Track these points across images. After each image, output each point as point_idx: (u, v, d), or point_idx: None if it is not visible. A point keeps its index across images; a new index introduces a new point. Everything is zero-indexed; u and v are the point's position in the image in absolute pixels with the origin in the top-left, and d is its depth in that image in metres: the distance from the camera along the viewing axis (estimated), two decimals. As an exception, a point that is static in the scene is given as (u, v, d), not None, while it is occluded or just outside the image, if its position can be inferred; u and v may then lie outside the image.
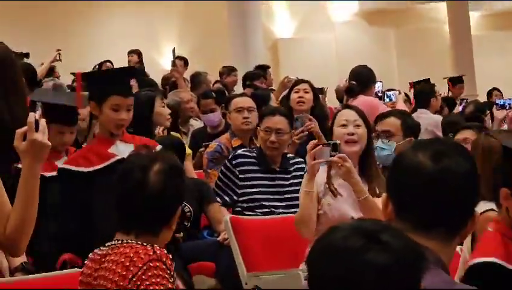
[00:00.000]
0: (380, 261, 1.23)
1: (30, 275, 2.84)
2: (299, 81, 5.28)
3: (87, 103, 4.26)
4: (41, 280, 2.74)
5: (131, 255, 2.13)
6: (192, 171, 4.76)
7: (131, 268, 2.11)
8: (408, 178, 1.65)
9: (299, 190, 3.54)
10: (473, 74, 12.88)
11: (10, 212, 2.26)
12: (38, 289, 2.68)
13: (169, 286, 2.13)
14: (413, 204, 1.63)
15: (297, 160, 4.24)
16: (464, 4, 13.77)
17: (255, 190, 4.12)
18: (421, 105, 6.94)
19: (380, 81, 6.65)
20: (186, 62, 9.15)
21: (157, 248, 2.16)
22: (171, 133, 5.09)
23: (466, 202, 1.66)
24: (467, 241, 3.09)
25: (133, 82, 6.96)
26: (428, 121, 6.45)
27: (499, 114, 5.87)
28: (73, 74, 6.30)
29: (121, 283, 2.12)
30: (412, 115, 6.65)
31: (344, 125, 3.46)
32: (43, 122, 2.20)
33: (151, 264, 2.11)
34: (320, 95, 7.54)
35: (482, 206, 2.93)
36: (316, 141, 3.40)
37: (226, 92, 7.27)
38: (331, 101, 8.37)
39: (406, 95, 8.20)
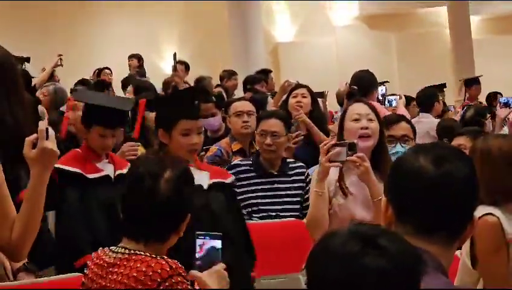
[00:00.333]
0: (377, 266, 1.23)
1: (35, 279, 2.83)
2: (297, 86, 5.28)
3: (131, 105, 4.23)
4: (46, 284, 2.75)
5: (144, 269, 2.11)
6: None
7: (149, 283, 2.09)
8: (409, 182, 1.65)
9: (298, 194, 3.55)
10: (473, 78, 12.89)
11: (16, 218, 2.27)
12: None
13: None
14: (415, 208, 1.64)
15: (298, 164, 4.23)
16: (465, 8, 13.78)
17: (251, 195, 4.10)
18: (424, 109, 6.94)
19: (384, 84, 6.64)
20: (187, 66, 9.18)
21: (170, 261, 2.15)
22: None
23: (466, 206, 1.67)
24: (466, 245, 3.08)
25: (129, 88, 6.98)
26: (430, 125, 6.44)
27: (501, 112, 5.85)
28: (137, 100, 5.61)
29: None
30: (413, 119, 6.67)
31: (357, 120, 3.34)
32: (51, 130, 2.24)
33: (173, 281, 2.11)
34: (320, 99, 7.55)
35: (480, 211, 2.93)
36: (331, 140, 3.27)
37: (226, 96, 7.27)
38: (331, 105, 8.37)
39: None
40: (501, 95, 9.17)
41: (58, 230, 3.58)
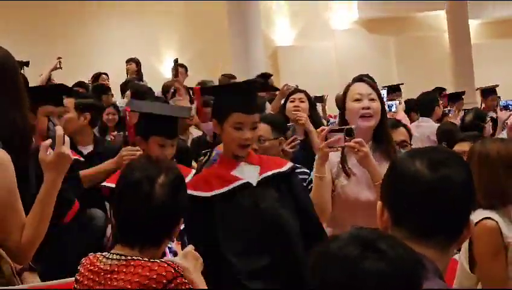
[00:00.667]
0: (377, 269, 1.23)
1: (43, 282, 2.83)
2: (295, 91, 5.26)
3: (189, 113, 4.16)
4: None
5: (147, 273, 2.11)
6: None
7: (154, 285, 2.09)
8: (406, 186, 1.65)
9: None
10: (472, 82, 12.90)
11: (26, 221, 2.30)
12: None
13: None
14: (411, 212, 1.63)
15: (299, 170, 4.17)
16: (464, 12, 13.81)
17: None
18: (425, 113, 6.93)
19: (384, 88, 6.65)
20: (186, 69, 9.17)
21: (171, 263, 2.15)
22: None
23: (463, 210, 1.67)
24: (465, 249, 3.09)
25: (128, 92, 6.98)
26: (431, 129, 6.44)
27: (502, 115, 5.88)
28: (190, 89, 5.45)
29: None
30: (413, 123, 6.67)
31: (358, 100, 3.30)
32: (66, 137, 2.29)
33: (178, 281, 2.12)
34: (320, 103, 7.55)
35: (478, 215, 2.93)
36: (329, 127, 3.23)
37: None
38: (331, 108, 8.38)
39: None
40: (499, 98, 9.17)
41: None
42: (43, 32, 12.32)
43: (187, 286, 2.14)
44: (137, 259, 2.15)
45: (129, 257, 2.17)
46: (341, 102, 3.45)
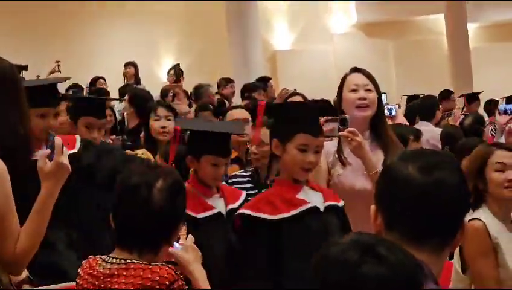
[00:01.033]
0: (376, 274, 1.23)
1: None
2: (292, 94, 5.26)
3: (243, 129, 3.91)
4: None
5: (149, 275, 2.11)
6: None
7: (157, 286, 2.10)
8: (398, 190, 1.64)
9: None
10: (471, 85, 12.92)
11: (21, 231, 2.29)
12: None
13: None
14: (404, 216, 1.62)
15: None
16: (462, 16, 13.84)
17: None
18: (425, 117, 6.92)
19: (384, 93, 6.66)
20: (182, 73, 9.18)
21: (171, 266, 2.16)
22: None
23: (456, 213, 1.66)
24: (456, 252, 3.11)
25: (126, 96, 6.97)
26: (431, 134, 6.43)
27: (502, 119, 5.88)
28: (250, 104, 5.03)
29: None
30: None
31: (354, 90, 3.34)
32: (65, 147, 2.30)
33: (179, 283, 2.13)
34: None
35: (467, 216, 2.97)
36: (324, 118, 3.17)
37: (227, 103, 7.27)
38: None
39: None
40: (498, 102, 9.18)
41: None
42: (42, 35, 12.33)
43: (185, 287, 2.16)
44: (138, 263, 2.16)
45: (129, 261, 2.17)
46: (337, 92, 3.47)
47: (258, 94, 7.53)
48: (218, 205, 3.18)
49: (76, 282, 2.27)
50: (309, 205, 2.88)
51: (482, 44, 15.62)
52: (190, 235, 2.40)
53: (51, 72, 7.86)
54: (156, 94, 7.70)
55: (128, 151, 4.15)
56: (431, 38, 15.43)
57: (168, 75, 9.24)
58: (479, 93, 9.06)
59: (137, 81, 9.61)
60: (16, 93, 2.47)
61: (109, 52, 12.85)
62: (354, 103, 3.31)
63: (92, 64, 11.88)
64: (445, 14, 14.25)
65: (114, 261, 2.19)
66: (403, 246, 1.40)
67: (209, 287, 2.36)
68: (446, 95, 8.84)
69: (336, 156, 3.31)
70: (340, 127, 3.12)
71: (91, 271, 2.23)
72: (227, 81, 8.75)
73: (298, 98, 5.08)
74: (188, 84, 8.70)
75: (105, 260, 2.21)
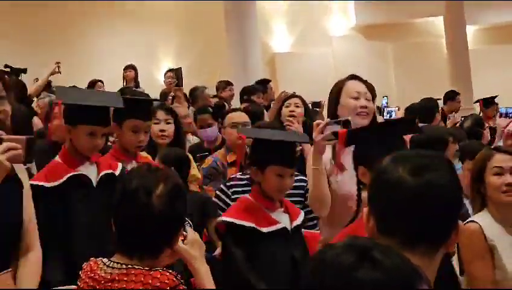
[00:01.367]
0: (371, 278, 1.22)
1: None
2: (291, 96, 5.25)
3: (308, 139, 3.75)
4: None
5: (150, 281, 2.11)
6: None
7: None
8: (389, 193, 1.62)
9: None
10: (470, 88, 12.92)
11: None
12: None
13: None
14: (396, 219, 1.60)
15: (297, 178, 4.12)
16: (461, 18, 13.84)
17: None
18: (425, 120, 6.92)
19: (386, 96, 6.66)
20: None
21: (172, 272, 2.16)
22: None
23: (450, 213, 1.64)
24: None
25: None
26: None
27: (502, 122, 5.88)
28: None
29: None
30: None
31: (356, 98, 3.38)
32: (7, 143, 2.36)
33: (180, 288, 2.12)
34: (317, 109, 7.54)
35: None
36: (326, 120, 3.22)
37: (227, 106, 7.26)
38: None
39: None
40: (497, 105, 9.15)
41: None
42: (41, 39, 12.32)
43: None
44: (138, 268, 2.15)
45: (129, 266, 2.16)
46: (334, 96, 3.48)
47: (257, 97, 7.52)
48: (283, 220, 3.13)
49: (77, 285, 2.26)
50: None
51: (481, 46, 15.63)
52: (192, 230, 2.37)
53: (51, 74, 7.82)
54: (153, 96, 7.69)
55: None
56: (430, 41, 15.44)
57: (165, 77, 9.23)
58: (495, 97, 8.91)
59: (137, 84, 9.61)
60: None
61: (107, 55, 12.84)
62: (355, 109, 3.34)
63: (91, 68, 11.87)
64: (444, 17, 14.26)
65: (115, 266, 2.18)
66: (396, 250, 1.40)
67: (213, 285, 2.34)
68: (451, 95, 8.84)
69: (333, 162, 3.31)
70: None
71: (92, 275, 2.22)
72: (226, 84, 8.74)
73: (296, 100, 5.08)
74: (188, 86, 8.68)
75: (107, 264, 2.20)
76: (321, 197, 3.22)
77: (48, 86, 7.61)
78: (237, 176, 4.14)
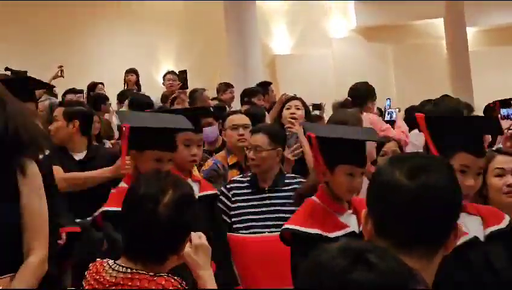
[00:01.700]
0: (365, 281, 1.21)
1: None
2: (291, 98, 5.26)
3: (376, 136, 3.61)
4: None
5: (153, 287, 2.11)
6: None
7: None
8: (387, 196, 1.62)
9: (293, 210, 3.44)
10: (470, 89, 12.91)
11: None
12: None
13: None
14: (394, 222, 1.60)
15: (296, 180, 4.11)
16: (461, 20, 13.83)
17: (244, 211, 4.02)
18: None
19: (388, 98, 6.66)
20: (179, 78, 9.15)
21: (177, 279, 2.15)
22: None
23: (448, 215, 1.64)
24: None
25: (126, 102, 6.96)
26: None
27: (503, 123, 5.88)
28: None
29: None
30: (413, 131, 6.65)
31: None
32: None
33: None
34: (318, 111, 7.54)
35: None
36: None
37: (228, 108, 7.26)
38: (328, 116, 8.34)
39: None
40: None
41: None
42: (43, 42, 12.31)
43: None
44: (143, 273, 2.15)
45: (134, 270, 2.16)
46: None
47: (258, 99, 7.51)
48: (351, 222, 2.98)
49: (82, 285, 2.27)
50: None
51: (481, 48, 15.62)
52: (200, 233, 2.31)
53: (54, 78, 7.82)
54: (154, 99, 7.69)
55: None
56: (430, 42, 15.44)
57: (164, 79, 9.22)
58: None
59: (138, 88, 9.61)
60: None
61: (108, 57, 12.83)
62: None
63: (92, 71, 11.87)
64: (444, 18, 14.25)
65: (120, 270, 2.18)
66: (393, 252, 1.39)
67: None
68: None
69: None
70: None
71: (97, 277, 2.22)
72: (227, 86, 8.74)
73: (297, 102, 5.08)
74: (188, 87, 8.68)
75: (112, 266, 2.20)
76: None
77: (50, 90, 7.61)
78: (237, 178, 4.15)
